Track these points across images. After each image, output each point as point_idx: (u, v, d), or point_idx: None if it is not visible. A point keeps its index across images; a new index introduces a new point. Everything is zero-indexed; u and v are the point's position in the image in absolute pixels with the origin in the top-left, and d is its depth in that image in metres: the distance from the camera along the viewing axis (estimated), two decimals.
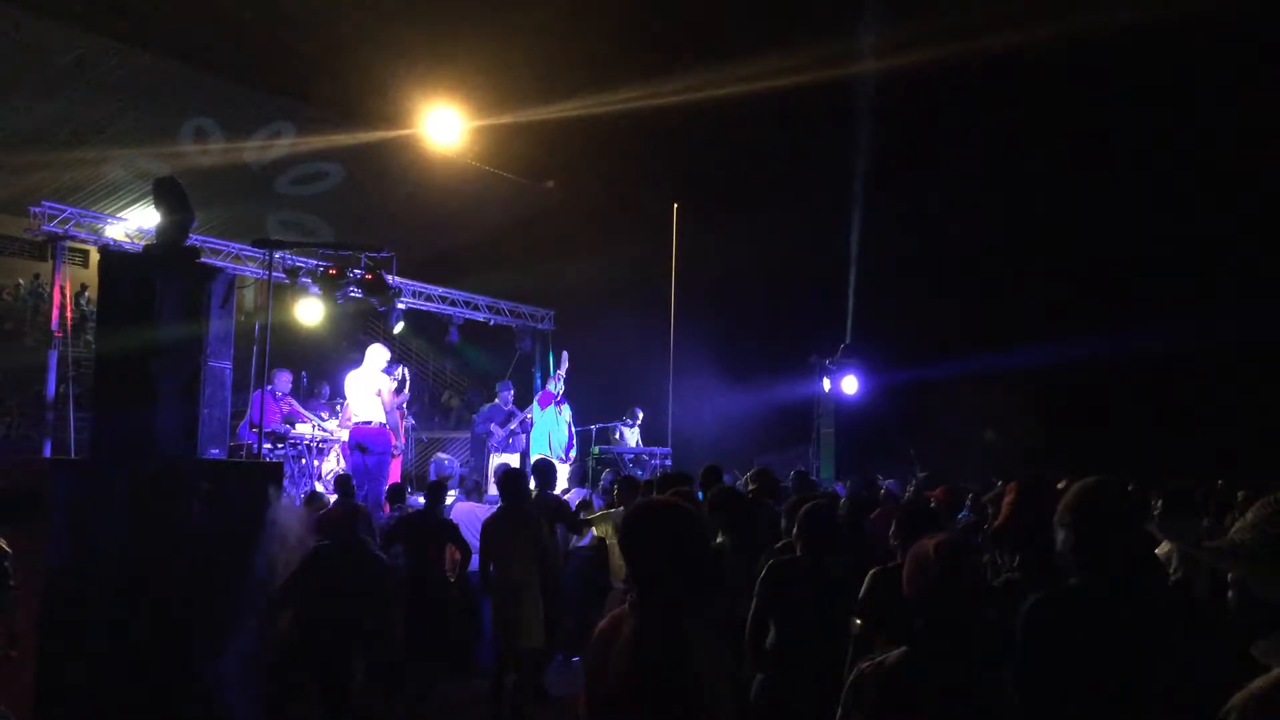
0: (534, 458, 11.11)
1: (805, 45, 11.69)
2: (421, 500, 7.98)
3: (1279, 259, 14.50)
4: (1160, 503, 6.17)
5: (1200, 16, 10.83)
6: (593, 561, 7.86)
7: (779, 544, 4.79)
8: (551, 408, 11.90)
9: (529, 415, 12.20)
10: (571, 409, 12.30)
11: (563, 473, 10.61)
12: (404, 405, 11.48)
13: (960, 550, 2.50)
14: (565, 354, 12.25)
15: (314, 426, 11.09)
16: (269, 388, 10.02)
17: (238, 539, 4.59)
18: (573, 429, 12.14)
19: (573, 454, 12.04)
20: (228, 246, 11.49)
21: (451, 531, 7.04)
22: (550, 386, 12.05)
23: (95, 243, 10.66)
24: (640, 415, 13.04)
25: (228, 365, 5.43)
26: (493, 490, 9.32)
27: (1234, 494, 7.68)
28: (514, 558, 6.26)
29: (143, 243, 9.67)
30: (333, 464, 11.14)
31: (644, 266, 14.24)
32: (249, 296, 14.17)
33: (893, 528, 4.16)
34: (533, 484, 7.43)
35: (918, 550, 2.55)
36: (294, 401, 11.15)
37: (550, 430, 11.83)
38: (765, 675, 4.04)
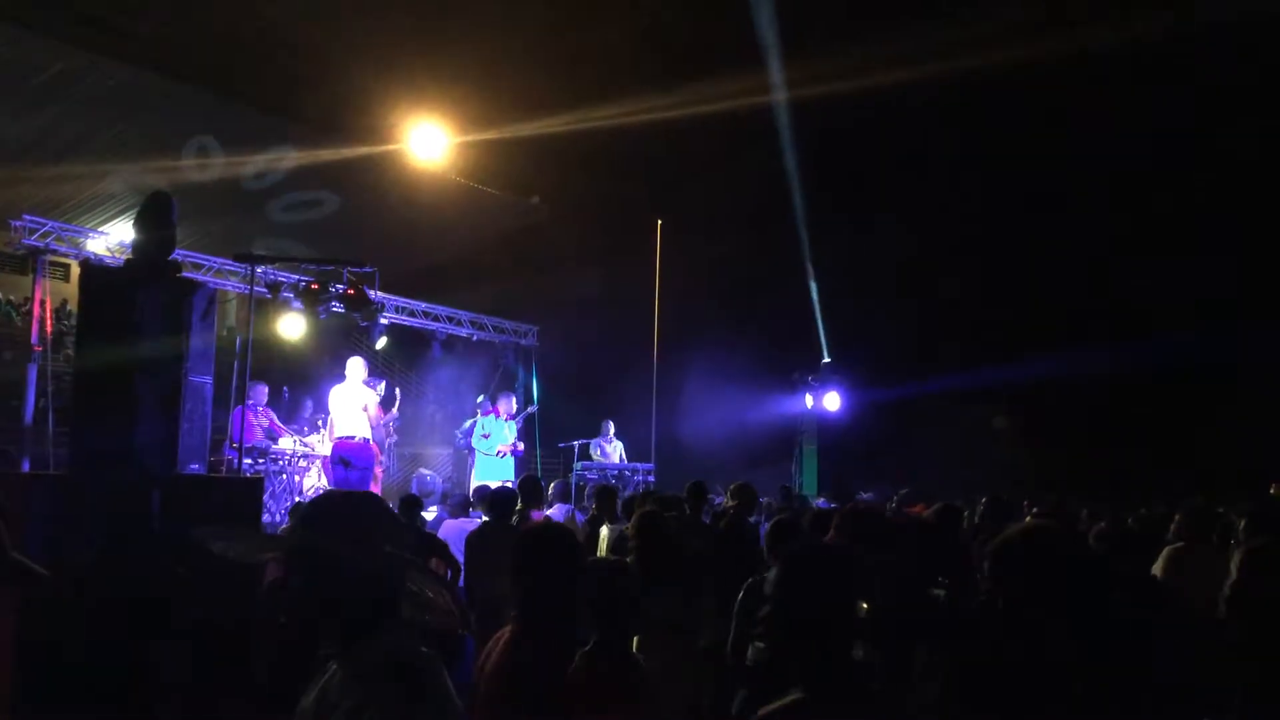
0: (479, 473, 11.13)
1: (787, 66, 11.82)
2: None
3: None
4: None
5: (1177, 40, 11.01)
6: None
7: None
8: (494, 418, 11.92)
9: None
10: (548, 426, 12.31)
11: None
12: (391, 423, 11.41)
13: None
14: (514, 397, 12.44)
15: (295, 442, 11.03)
16: (249, 403, 9.96)
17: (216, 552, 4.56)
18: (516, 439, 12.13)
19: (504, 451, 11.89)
20: (209, 261, 11.45)
21: (438, 549, 6.92)
22: (502, 406, 12.05)
23: (76, 257, 10.61)
24: (610, 427, 12.89)
25: (208, 380, 5.42)
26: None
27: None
28: (497, 573, 6.24)
29: (124, 257, 9.63)
30: (314, 480, 11.06)
31: (628, 283, 14.28)
32: (230, 311, 14.10)
33: None
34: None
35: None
36: (273, 414, 11.09)
37: (490, 433, 11.87)
38: (747, 691, 4.11)
